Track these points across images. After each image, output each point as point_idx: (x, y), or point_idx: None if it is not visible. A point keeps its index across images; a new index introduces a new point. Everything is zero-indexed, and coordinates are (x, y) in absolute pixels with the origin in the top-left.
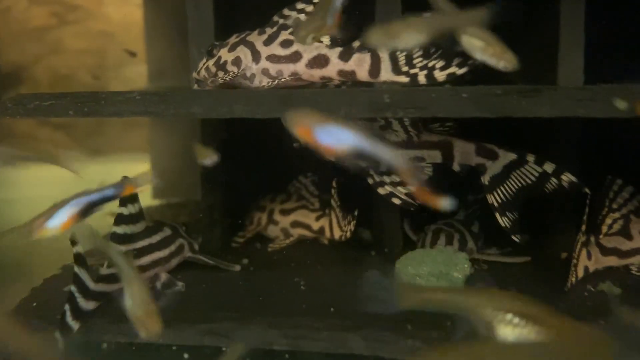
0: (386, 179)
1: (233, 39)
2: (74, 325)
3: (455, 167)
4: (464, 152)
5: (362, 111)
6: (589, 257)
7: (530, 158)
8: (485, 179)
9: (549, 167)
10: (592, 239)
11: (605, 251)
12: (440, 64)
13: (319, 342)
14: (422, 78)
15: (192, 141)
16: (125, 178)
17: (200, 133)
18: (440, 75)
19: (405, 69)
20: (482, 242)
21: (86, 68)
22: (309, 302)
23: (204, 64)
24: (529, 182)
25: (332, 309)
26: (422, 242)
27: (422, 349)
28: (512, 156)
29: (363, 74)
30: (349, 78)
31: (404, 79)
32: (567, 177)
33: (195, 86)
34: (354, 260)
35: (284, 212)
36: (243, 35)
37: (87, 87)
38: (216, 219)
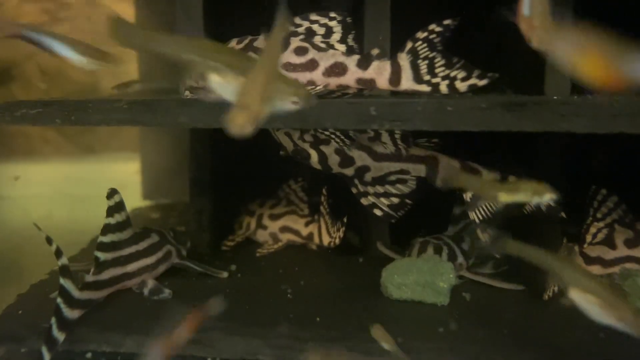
0: (370, 189)
1: (236, 45)
2: (60, 337)
3: (439, 182)
4: (449, 169)
5: (349, 123)
6: None
7: (512, 179)
8: (467, 196)
9: None
10: (576, 248)
11: (589, 260)
12: (462, 74)
13: (304, 352)
14: (443, 88)
15: (182, 142)
16: None
17: (189, 136)
18: (461, 86)
19: (427, 77)
20: (472, 261)
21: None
22: (295, 311)
23: None
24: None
25: (317, 319)
26: (409, 253)
27: None
28: (494, 176)
29: (383, 83)
30: (367, 86)
31: (425, 88)
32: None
33: (187, 93)
34: (341, 268)
35: (273, 217)
36: (247, 41)
37: (79, 84)
38: (205, 224)
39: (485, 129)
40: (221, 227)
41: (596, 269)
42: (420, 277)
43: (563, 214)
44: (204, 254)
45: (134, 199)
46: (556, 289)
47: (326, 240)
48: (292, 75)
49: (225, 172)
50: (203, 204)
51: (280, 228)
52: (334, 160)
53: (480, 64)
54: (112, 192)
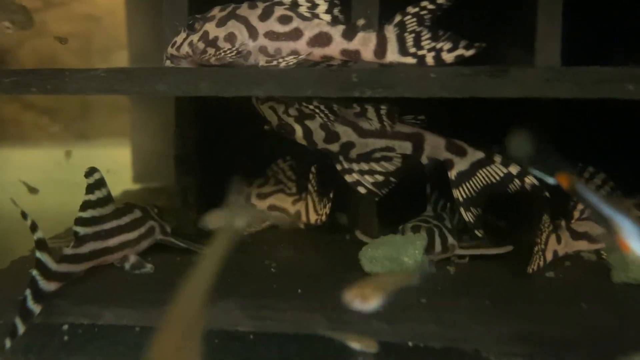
0: (355, 166)
1: (218, 13)
2: (35, 308)
3: (424, 159)
4: (434, 146)
5: (330, 91)
6: (559, 241)
7: (497, 159)
8: (452, 174)
9: (513, 169)
10: (563, 223)
11: (576, 235)
12: (448, 45)
13: (283, 323)
14: (429, 60)
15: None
16: None
17: (175, 114)
18: (448, 57)
19: (412, 50)
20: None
21: (71, 51)
22: (277, 284)
23: (184, 39)
24: (494, 181)
25: (299, 291)
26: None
27: None
28: (480, 155)
29: (368, 55)
30: (352, 58)
31: (411, 60)
32: (529, 180)
33: (168, 62)
34: (327, 245)
35: (261, 196)
36: (230, 9)
37: None
38: (190, 202)
39: (468, 95)
40: (207, 205)
41: (583, 245)
42: (389, 251)
43: (547, 194)
44: (190, 232)
45: (124, 183)
46: (541, 262)
47: (313, 218)
48: (275, 44)
49: (211, 151)
50: (189, 182)
51: (268, 207)
52: (319, 135)
53: (470, 39)
54: (92, 171)
